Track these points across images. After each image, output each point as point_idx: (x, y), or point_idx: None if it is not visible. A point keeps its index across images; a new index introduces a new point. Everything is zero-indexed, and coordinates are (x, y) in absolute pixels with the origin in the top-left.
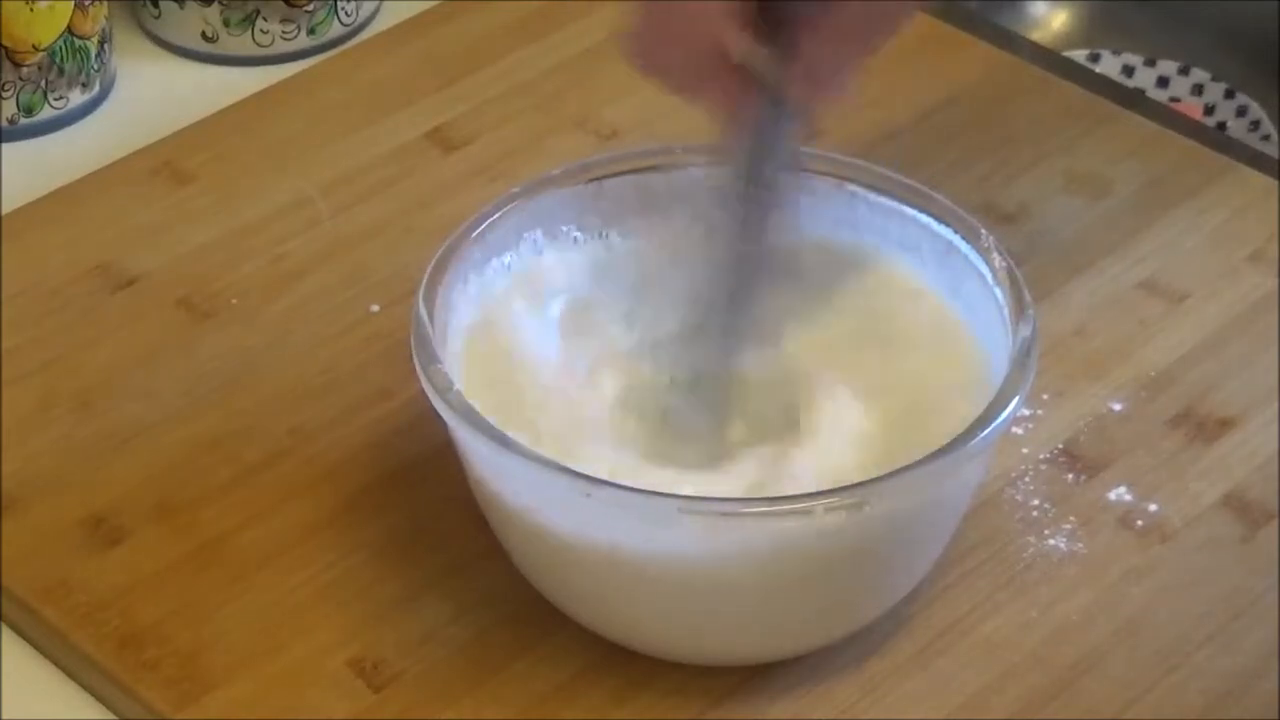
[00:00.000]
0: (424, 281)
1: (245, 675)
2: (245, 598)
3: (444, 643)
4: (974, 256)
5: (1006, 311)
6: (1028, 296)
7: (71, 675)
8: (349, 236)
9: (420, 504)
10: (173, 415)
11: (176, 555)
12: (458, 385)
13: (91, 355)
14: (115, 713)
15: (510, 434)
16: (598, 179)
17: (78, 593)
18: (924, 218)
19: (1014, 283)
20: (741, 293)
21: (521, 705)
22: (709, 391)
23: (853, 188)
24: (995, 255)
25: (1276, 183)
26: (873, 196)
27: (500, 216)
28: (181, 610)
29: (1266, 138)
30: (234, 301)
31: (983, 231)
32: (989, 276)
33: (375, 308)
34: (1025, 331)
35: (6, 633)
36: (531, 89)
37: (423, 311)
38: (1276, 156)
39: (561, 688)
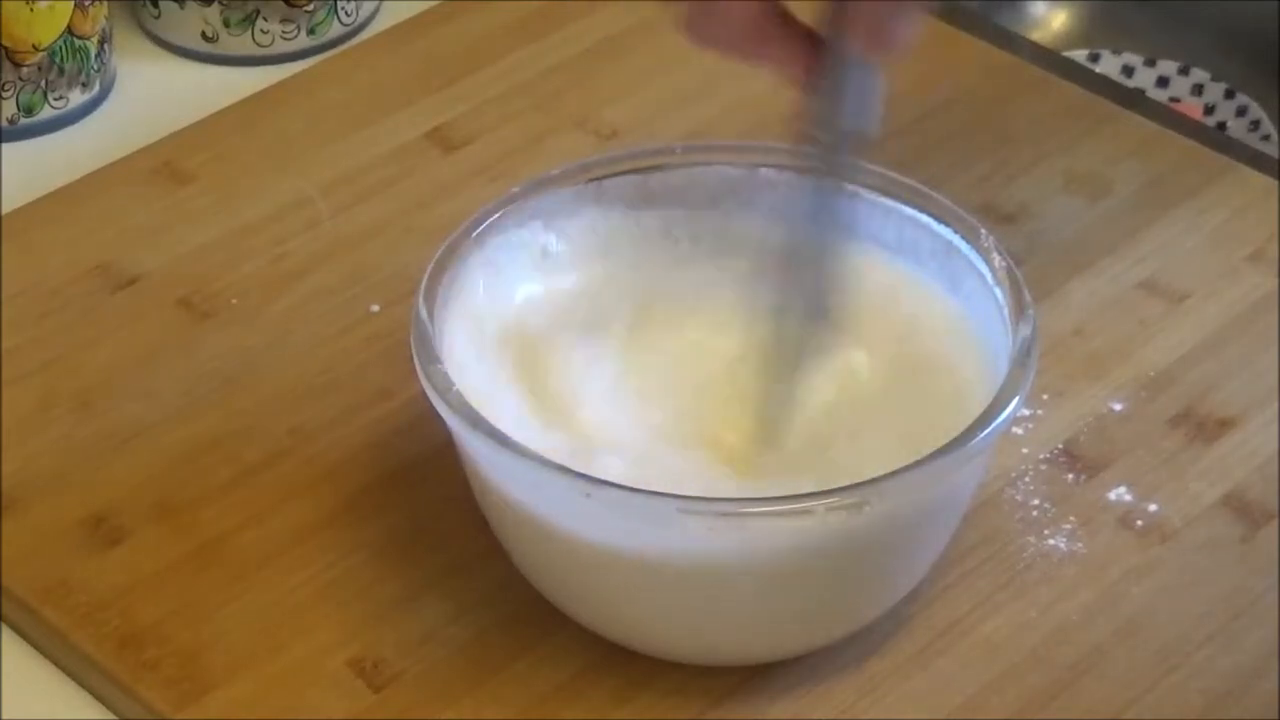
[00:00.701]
0: (424, 281)
1: (245, 675)
2: (245, 598)
3: (444, 643)
4: (974, 256)
5: (1006, 311)
6: (1028, 296)
7: (71, 675)
8: (349, 236)
9: (420, 504)
10: (173, 415)
11: (176, 555)
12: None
13: (91, 355)
14: (115, 713)
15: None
16: (598, 179)
17: (78, 593)
18: (923, 217)
19: (1014, 283)
20: (825, 256)
21: (521, 705)
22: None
23: (852, 187)
24: (995, 255)
25: (1276, 183)
26: (872, 196)
27: (501, 216)
28: (181, 610)
29: (1266, 138)
30: (234, 301)
31: (982, 231)
32: (989, 276)
33: (375, 308)
34: (1025, 331)
35: (6, 633)
36: (531, 89)
37: (423, 311)
38: (1276, 156)
39: (561, 688)
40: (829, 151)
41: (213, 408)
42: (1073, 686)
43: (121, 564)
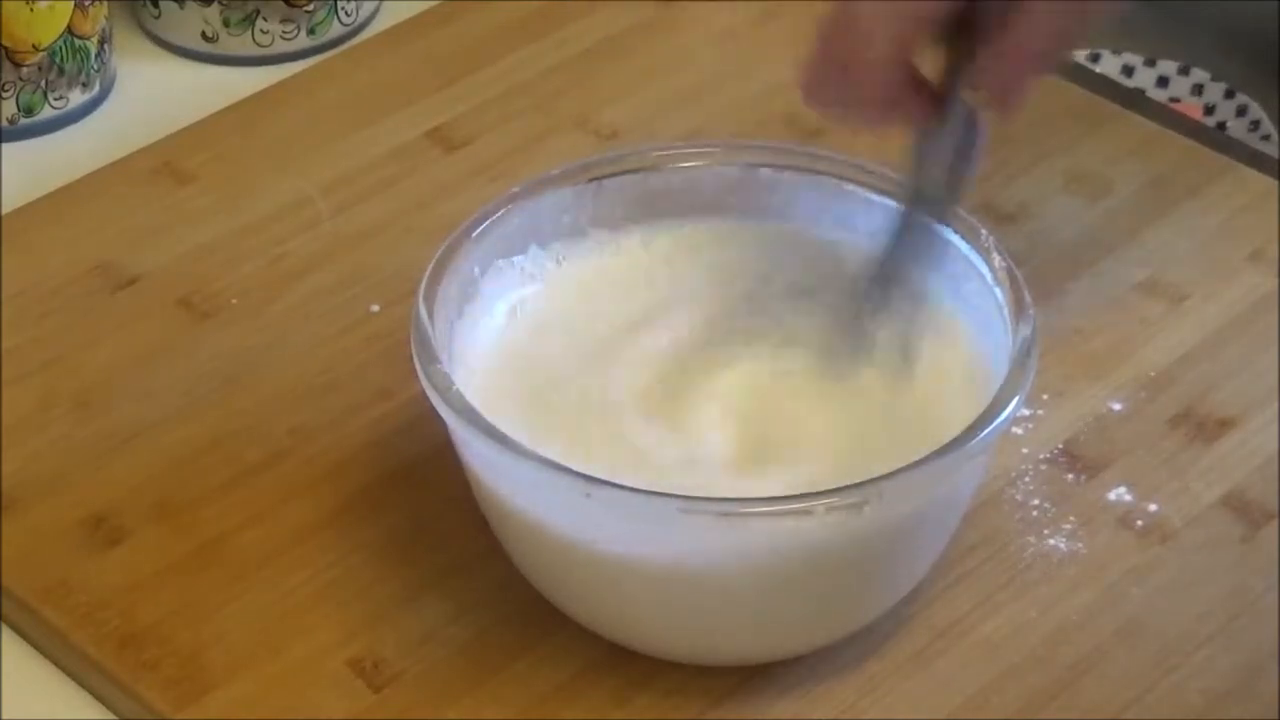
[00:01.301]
0: (424, 281)
1: (245, 675)
2: (245, 598)
3: (444, 643)
4: (974, 256)
5: (1006, 311)
6: (1027, 297)
7: (71, 675)
8: (349, 236)
9: (420, 504)
10: (173, 415)
11: (176, 555)
12: (470, 389)
13: (91, 355)
14: (115, 713)
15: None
16: (598, 179)
17: (78, 593)
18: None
19: (1014, 283)
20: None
21: (521, 705)
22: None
23: (851, 187)
24: (995, 255)
25: (1276, 183)
26: (872, 196)
27: (501, 216)
28: (181, 610)
29: (1266, 138)
30: (234, 301)
31: (983, 231)
32: (989, 276)
33: (375, 308)
34: (1025, 331)
35: (6, 633)
36: (531, 89)
37: (423, 311)
38: (1276, 156)
39: (561, 688)
40: (929, 192)
41: (213, 408)
42: (1073, 686)
43: (121, 564)
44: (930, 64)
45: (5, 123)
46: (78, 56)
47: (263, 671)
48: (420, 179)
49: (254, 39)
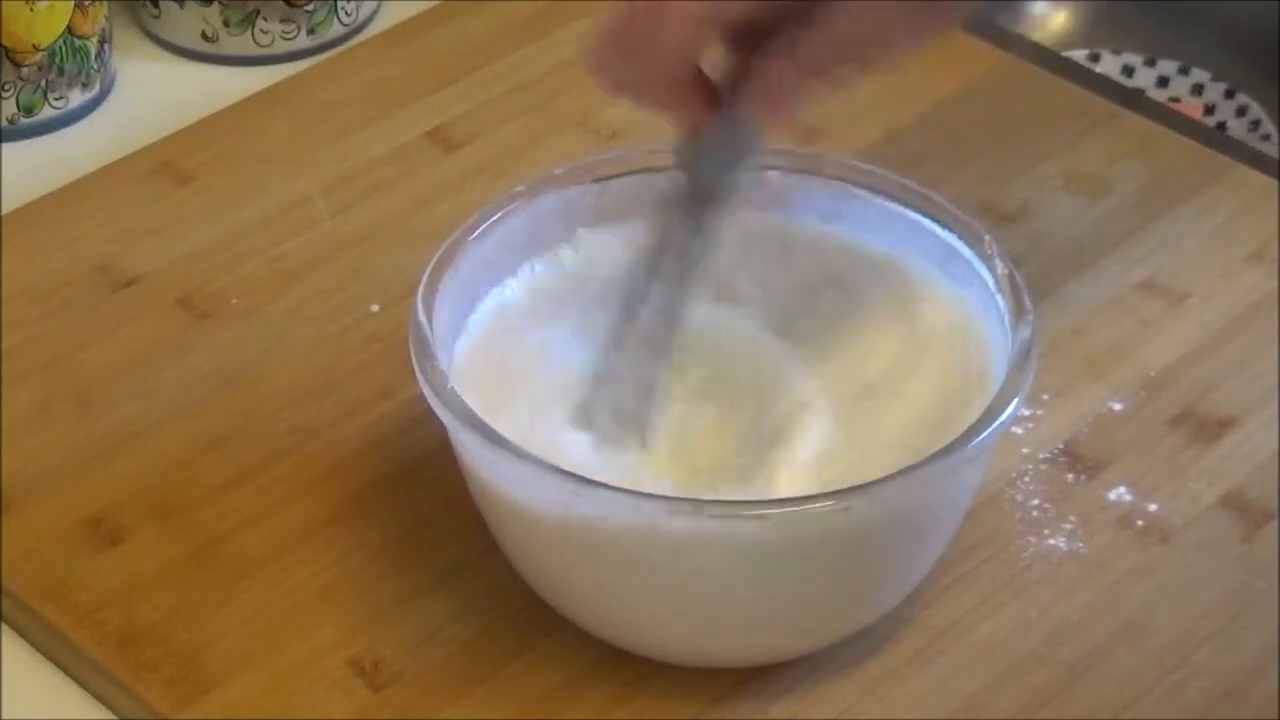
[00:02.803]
0: (422, 282)
1: (245, 675)
2: (245, 598)
3: (444, 643)
4: (976, 262)
5: (1007, 317)
6: (1028, 302)
7: (71, 675)
8: (349, 236)
9: (420, 504)
10: (173, 415)
11: (176, 555)
12: (457, 385)
13: (91, 355)
14: (115, 713)
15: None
16: (601, 179)
17: (78, 593)
18: (926, 222)
19: (1014, 288)
20: (670, 304)
21: (521, 705)
22: (632, 406)
23: (856, 190)
24: (997, 262)
25: (1276, 183)
26: (875, 199)
27: (500, 217)
28: (181, 610)
29: (1266, 138)
30: (234, 301)
31: (986, 238)
32: (991, 283)
33: (375, 308)
34: (1025, 334)
35: (6, 633)
36: (531, 89)
37: (420, 312)
38: (1276, 156)
39: (561, 688)
40: (698, 188)
41: (213, 408)
42: (1073, 686)
43: (121, 564)
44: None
45: (5, 123)
46: (78, 56)
47: (263, 671)
48: (420, 179)
49: (254, 39)
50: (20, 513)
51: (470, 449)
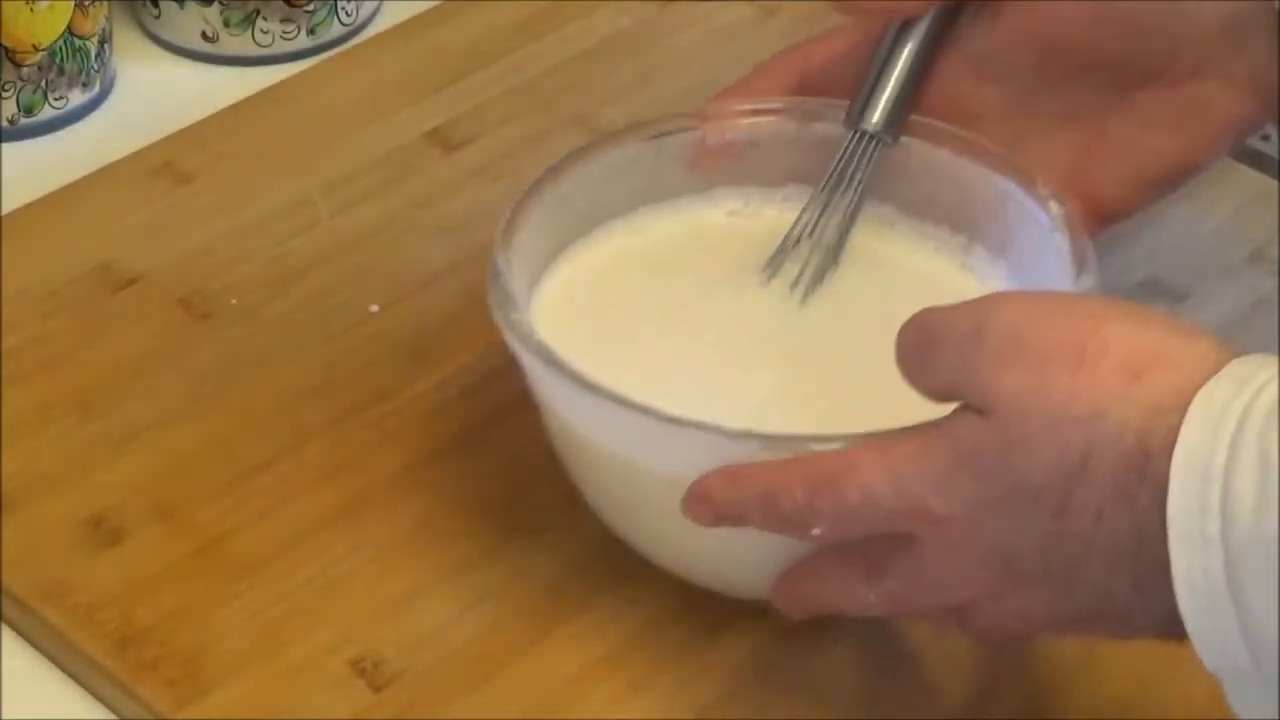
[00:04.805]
0: (499, 232)
1: (245, 675)
2: (245, 598)
3: (444, 643)
4: (1031, 204)
5: (1067, 259)
6: (1089, 244)
7: (71, 675)
8: (349, 236)
9: (420, 504)
10: (173, 415)
11: (176, 555)
12: (543, 335)
13: (91, 355)
14: (115, 713)
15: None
16: (659, 136)
17: (78, 593)
18: (979, 167)
19: (1074, 229)
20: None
21: (521, 705)
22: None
23: (905, 139)
24: (1053, 203)
25: (1276, 183)
26: (928, 148)
27: (572, 168)
28: (181, 610)
29: (1266, 138)
30: (234, 301)
31: (1039, 179)
32: (1047, 224)
33: (375, 308)
34: (1088, 282)
35: (6, 633)
36: (531, 89)
37: (500, 261)
38: (1276, 156)
39: (561, 687)
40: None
41: (213, 408)
42: (1073, 686)
43: (121, 564)
44: None
45: (5, 123)
46: (78, 56)
47: (263, 671)
48: (420, 179)
49: (254, 39)
50: (20, 513)
51: (558, 395)
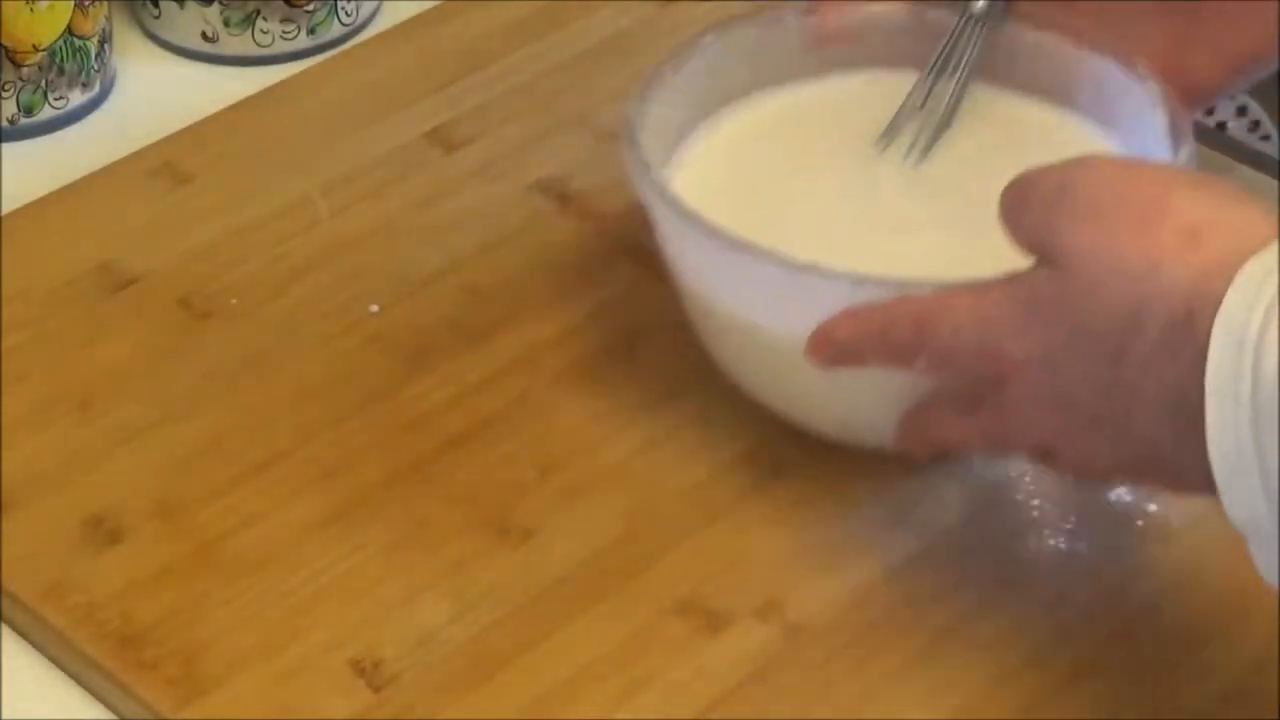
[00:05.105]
0: (632, 104)
1: (245, 675)
2: (245, 598)
3: (444, 643)
4: (1131, 83)
5: (1166, 133)
6: (1187, 117)
7: (71, 675)
8: (349, 236)
9: (420, 504)
10: (173, 415)
11: (176, 555)
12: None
13: (91, 355)
14: (115, 713)
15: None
16: (778, 20)
17: (78, 593)
18: (1079, 49)
19: (1170, 105)
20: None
21: (521, 705)
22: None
23: (1010, 22)
24: (1151, 81)
25: (1276, 183)
26: (1031, 30)
27: (701, 48)
28: (181, 610)
29: (1266, 138)
30: (234, 301)
31: (1137, 60)
32: (1146, 100)
33: (375, 308)
34: (1186, 155)
35: (6, 633)
36: (531, 89)
37: (635, 125)
38: (1276, 156)
39: (561, 688)
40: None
41: (213, 408)
42: (1073, 686)
43: (121, 564)
44: None
45: (5, 123)
46: (78, 56)
47: (263, 671)
48: (420, 179)
49: (254, 39)
50: (20, 513)
51: (692, 251)
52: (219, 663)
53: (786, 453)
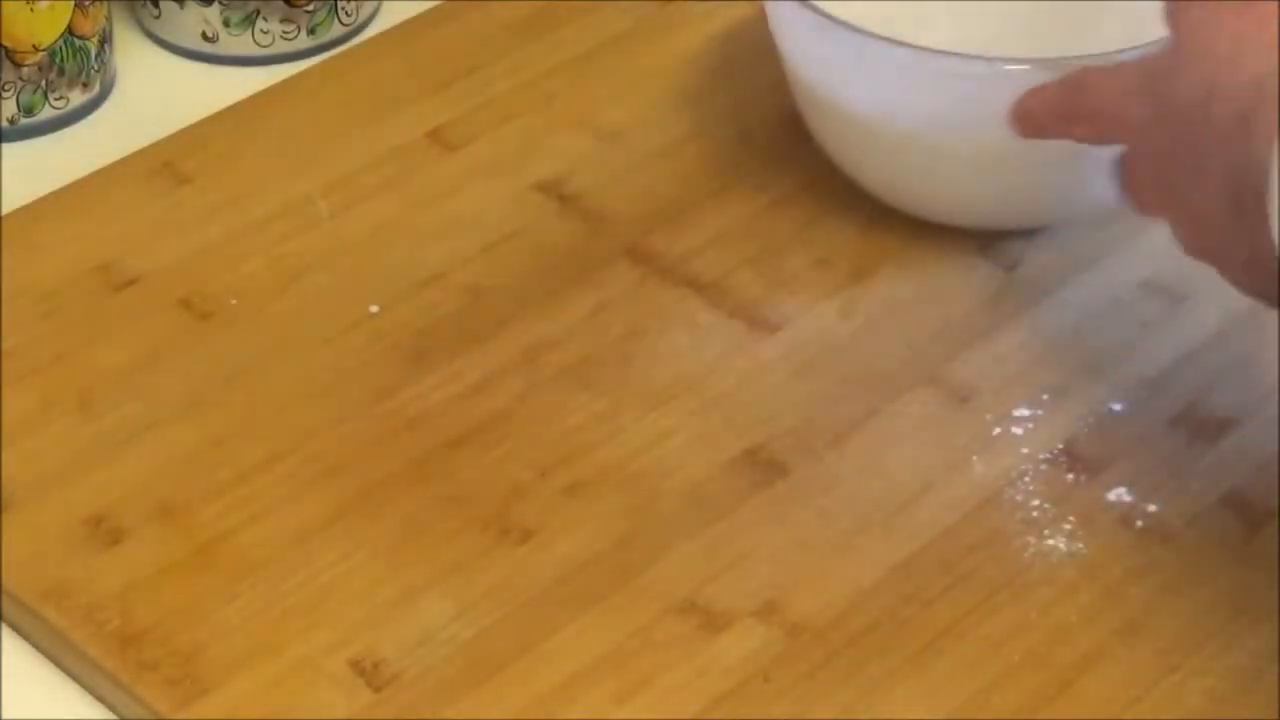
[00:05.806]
0: None
1: (245, 675)
2: (245, 598)
3: (444, 643)
4: None
5: None
6: None
7: (71, 675)
8: (349, 236)
9: (420, 504)
10: (173, 415)
11: (176, 555)
12: None
13: (91, 355)
14: (115, 713)
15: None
16: None
17: (78, 593)
18: None
19: None
20: None
21: (521, 705)
22: None
23: None
24: None
25: None
26: None
27: None
28: (181, 610)
29: None
30: (234, 301)
31: None
32: None
33: (375, 308)
34: None
35: (6, 633)
36: (531, 89)
37: None
38: None
39: (561, 688)
40: None
41: (213, 408)
42: (1073, 686)
43: (121, 564)
44: None
45: (5, 123)
46: (78, 56)
47: (263, 671)
48: (420, 179)
49: (254, 39)
50: (20, 513)
51: (798, 34)
52: (219, 663)
53: (786, 453)
